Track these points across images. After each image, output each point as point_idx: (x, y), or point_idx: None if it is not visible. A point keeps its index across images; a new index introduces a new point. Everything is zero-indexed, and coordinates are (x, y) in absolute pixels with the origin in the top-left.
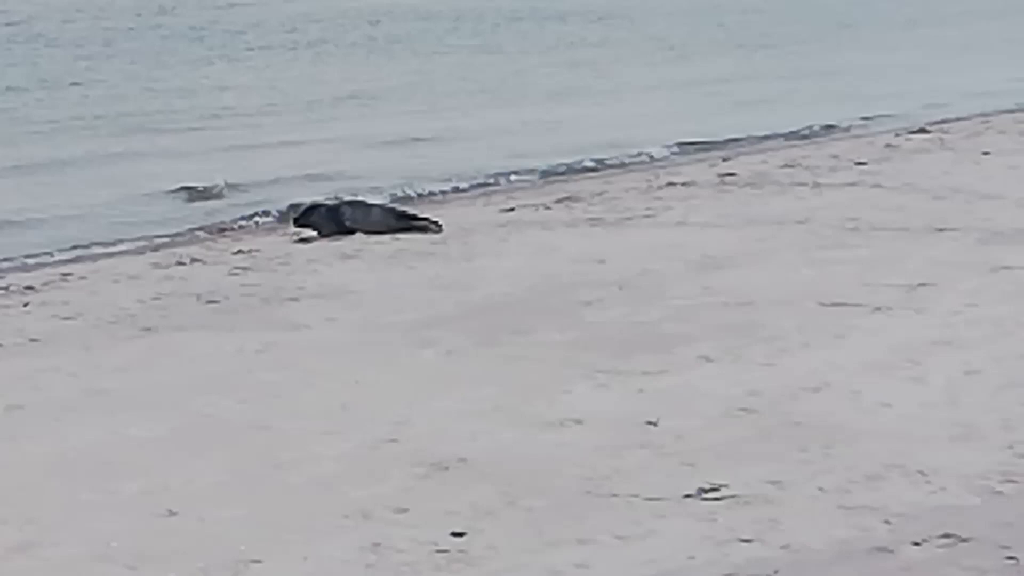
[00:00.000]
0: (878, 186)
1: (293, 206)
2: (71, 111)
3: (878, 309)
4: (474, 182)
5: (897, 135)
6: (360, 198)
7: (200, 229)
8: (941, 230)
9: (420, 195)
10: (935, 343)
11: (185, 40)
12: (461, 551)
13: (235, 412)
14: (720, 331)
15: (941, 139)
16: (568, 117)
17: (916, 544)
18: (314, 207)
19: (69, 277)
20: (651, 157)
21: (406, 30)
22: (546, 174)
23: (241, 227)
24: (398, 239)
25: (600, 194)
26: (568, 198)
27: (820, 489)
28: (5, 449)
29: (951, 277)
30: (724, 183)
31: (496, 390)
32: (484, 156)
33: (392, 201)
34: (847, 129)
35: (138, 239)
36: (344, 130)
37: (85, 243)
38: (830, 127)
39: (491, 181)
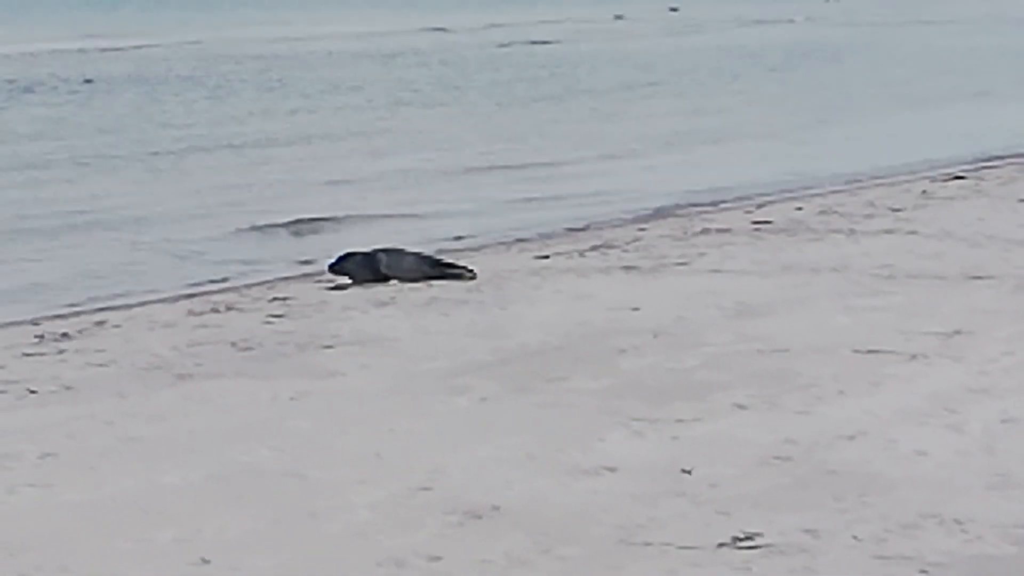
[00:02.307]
0: (914, 233)
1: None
2: None
3: (914, 357)
4: (507, 230)
5: (933, 181)
6: (395, 245)
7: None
8: (977, 277)
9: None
10: (971, 391)
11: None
12: None
13: (269, 460)
14: (755, 379)
15: (977, 186)
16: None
17: None
18: (349, 254)
19: (104, 324)
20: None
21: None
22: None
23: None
24: (432, 286)
25: (634, 241)
26: (602, 245)
27: (855, 538)
28: (40, 497)
29: (987, 325)
30: (759, 230)
31: (530, 438)
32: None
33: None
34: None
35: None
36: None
37: (120, 291)
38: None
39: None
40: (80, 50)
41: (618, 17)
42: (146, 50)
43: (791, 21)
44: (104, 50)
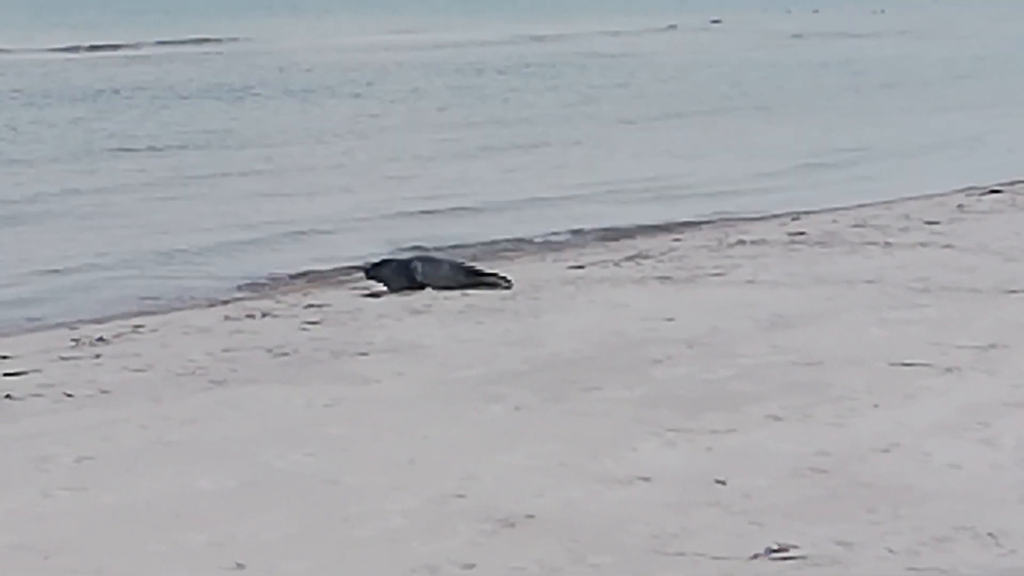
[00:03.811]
0: (949, 247)
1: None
2: None
3: (948, 370)
4: (544, 239)
5: (969, 195)
6: (430, 254)
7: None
8: (1013, 291)
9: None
10: (1006, 404)
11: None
12: None
13: (303, 465)
14: (789, 390)
15: (1014, 199)
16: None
17: None
18: (385, 261)
19: (140, 329)
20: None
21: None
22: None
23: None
24: (467, 295)
25: (669, 251)
26: (637, 255)
27: (889, 551)
28: (75, 499)
29: (1022, 338)
30: (794, 242)
31: (564, 446)
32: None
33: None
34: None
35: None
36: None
37: (156, 295)
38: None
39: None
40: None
41: (671, 27)
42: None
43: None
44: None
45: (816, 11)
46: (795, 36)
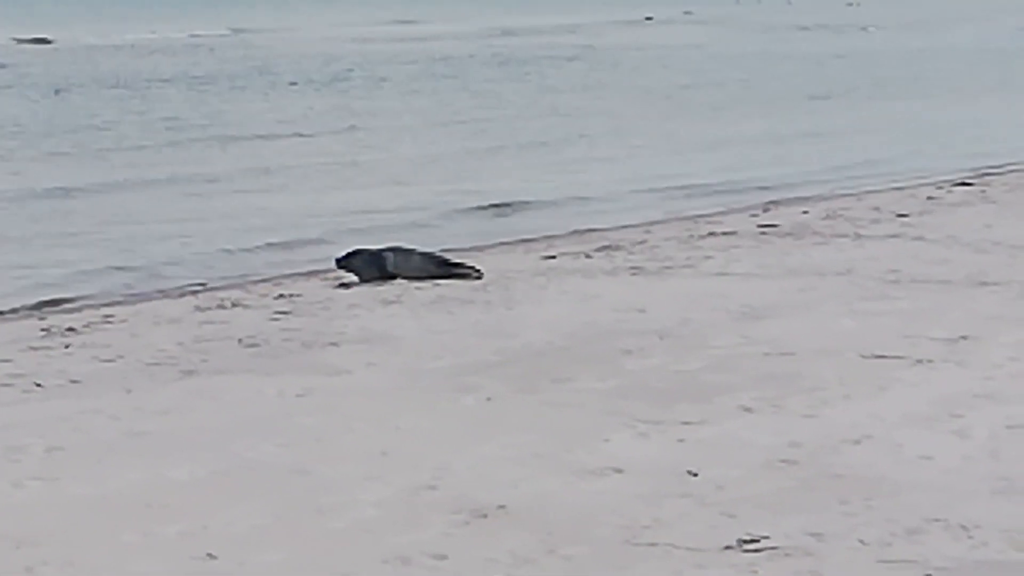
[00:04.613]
0: (920, 239)
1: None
2: None
3: (920, 361)
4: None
5: (939, 187)
6: (402, 244)
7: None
8: (983, 283)
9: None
10: (977, 396)
11: None
12: None
13: (275, 456)
14: (761, 381)
15: (983, 192)
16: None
17: None
18: (356, 252)
19: (111, 319)
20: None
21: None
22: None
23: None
24: (439, 285)
25: (641, 243)
26: (608, 247)
27: (861, 542)
28: (46, 490)
29: (993, 330)
30: (765, 233)
31: (536, 437)
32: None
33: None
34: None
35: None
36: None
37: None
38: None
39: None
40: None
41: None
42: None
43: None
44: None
45: (790, 3)
46: (801, 28)
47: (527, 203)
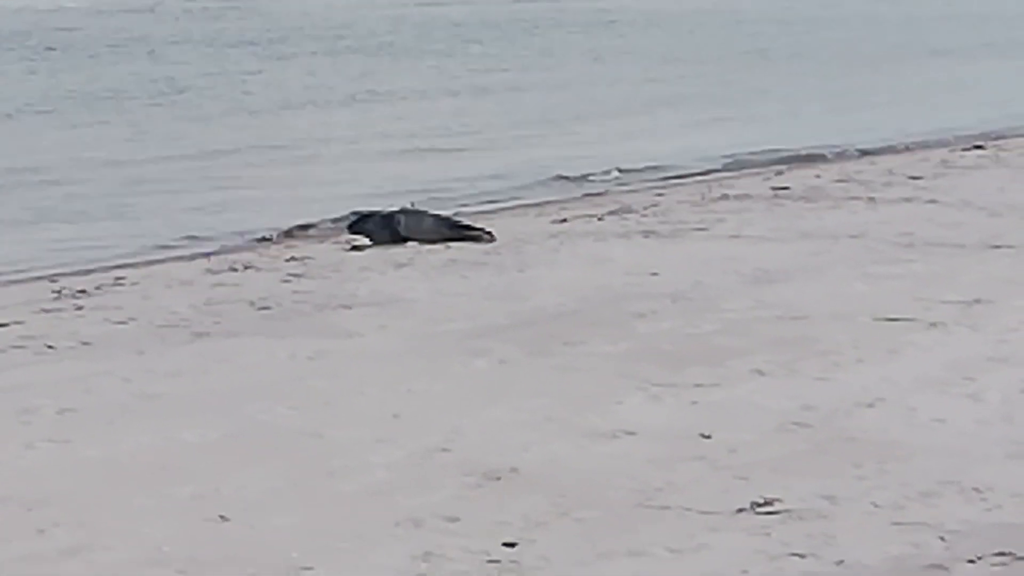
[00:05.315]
0: (933, 202)
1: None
2: None
3: (933, 325)
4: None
5: (952, 151)
6: (414, 207)
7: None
8: (997, 247)
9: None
10: (990, 359)
11: None
12: (513, 561)
13: (287, 419)
14: (773, 345)
15: (997, 155)
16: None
17: (971, 562)
18: (368, 215)
19: (122, 281)
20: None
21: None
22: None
23: None
24: (451, 248)
25: (653, 206)
26: (620, 209)
27: (874, 505)
28: (58, 452)
29: (1007, 294)
30: (778, 196)
31: (548, 400)
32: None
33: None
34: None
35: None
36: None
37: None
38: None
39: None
40: None
41: None
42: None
43: None
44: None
45: None
46: None
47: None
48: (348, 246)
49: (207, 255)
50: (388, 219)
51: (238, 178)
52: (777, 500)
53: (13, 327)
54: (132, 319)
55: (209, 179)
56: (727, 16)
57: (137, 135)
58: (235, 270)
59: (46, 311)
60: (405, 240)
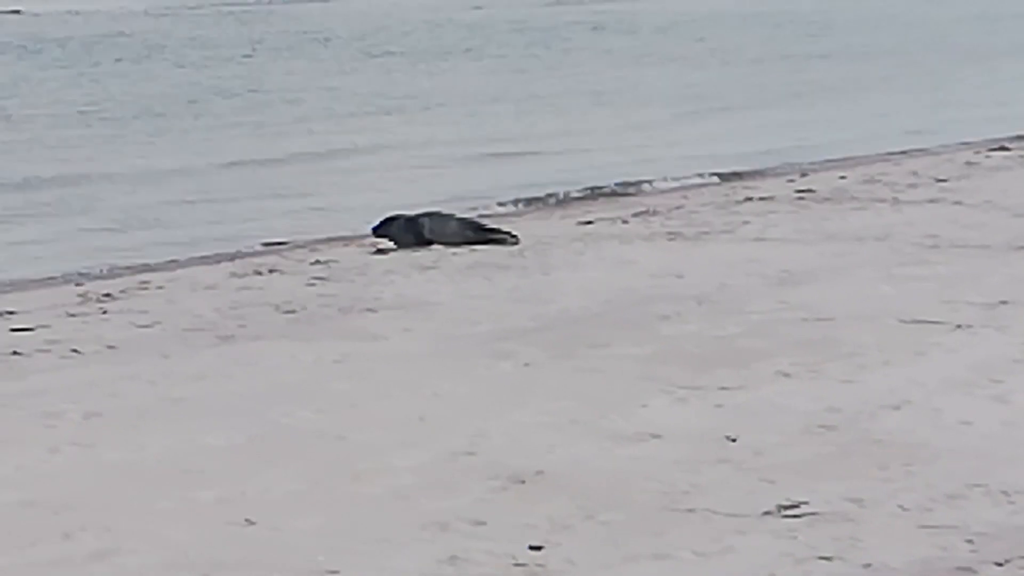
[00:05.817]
0: (958, 203)
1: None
2: None
3: (959, 327)
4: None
5: (977, 152)
6: (438, 210)
7: None
8: (1022, 248)
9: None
10: (1017, 361)
11: None
12: (539, 565)
13: (311, 422)
14: (798, 347)
15: (1022, 157)
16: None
17: (999, 564)
18: (392, 218)
19: (147, 285)
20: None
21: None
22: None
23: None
24: (475, 251)
25: (678, 208)
26: (645, 212)
27: (901, 507)
28: (83, 456)
29: None
30: (802, 198)
31: (573, 403)
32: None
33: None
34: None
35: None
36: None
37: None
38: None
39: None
40: None
41: None
42: None
43: None
44: None
45: None
46: None
47: None
48: (372, 249)
49: (231, 258)
50: (412, 222)
51: (287, 187)
52: (803, 503)
53: (39, 331)
54: (157, 323)
55: (251, 187)
56: (753, 18)
57: (178, 145)
58: (259, 274)
59: (71, 315)
60: (429, 243)
